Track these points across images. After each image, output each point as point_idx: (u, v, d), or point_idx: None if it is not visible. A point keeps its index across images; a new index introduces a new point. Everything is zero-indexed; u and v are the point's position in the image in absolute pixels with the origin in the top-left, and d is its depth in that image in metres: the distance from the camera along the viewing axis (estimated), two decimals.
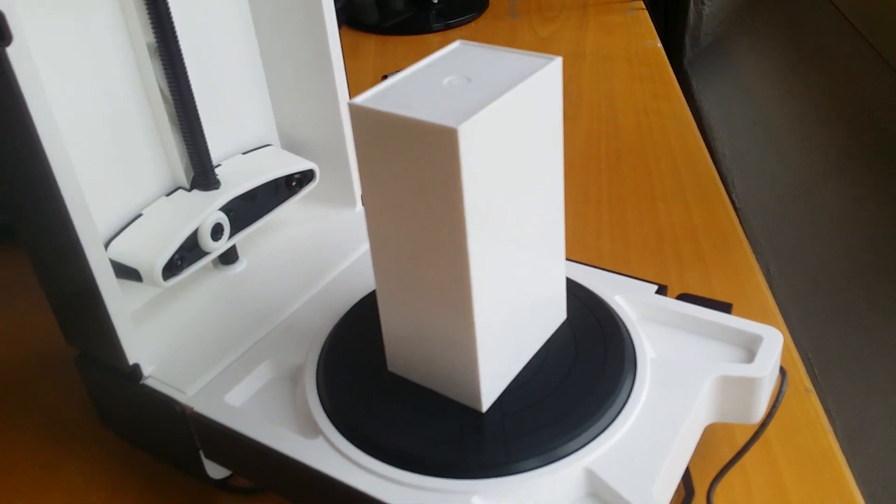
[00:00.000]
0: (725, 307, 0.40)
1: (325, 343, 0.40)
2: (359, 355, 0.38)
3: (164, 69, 0.40)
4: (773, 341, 0.37)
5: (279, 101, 0.49)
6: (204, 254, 0.42)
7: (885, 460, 0.54)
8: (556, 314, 0.38)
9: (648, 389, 0.35)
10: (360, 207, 0.51)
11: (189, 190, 0.43)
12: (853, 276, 0.68)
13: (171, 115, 0.41)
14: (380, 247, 0.33)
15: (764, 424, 0.37)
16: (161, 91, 0.41)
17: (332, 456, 0.34)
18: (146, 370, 0.39)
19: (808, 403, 0.42)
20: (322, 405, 0.36)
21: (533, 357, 0.37)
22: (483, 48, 0.34)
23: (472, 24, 0.97)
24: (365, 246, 0.47)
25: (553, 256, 0.36)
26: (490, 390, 0.34)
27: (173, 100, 0.40)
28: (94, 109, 0.39)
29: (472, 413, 0.34)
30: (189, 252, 0.41)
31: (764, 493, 0.37)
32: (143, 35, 0.39)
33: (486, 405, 0.34)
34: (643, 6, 0.96)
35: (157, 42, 0.39)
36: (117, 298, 0.37)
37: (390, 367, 0.37)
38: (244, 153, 0.47)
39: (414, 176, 0.30)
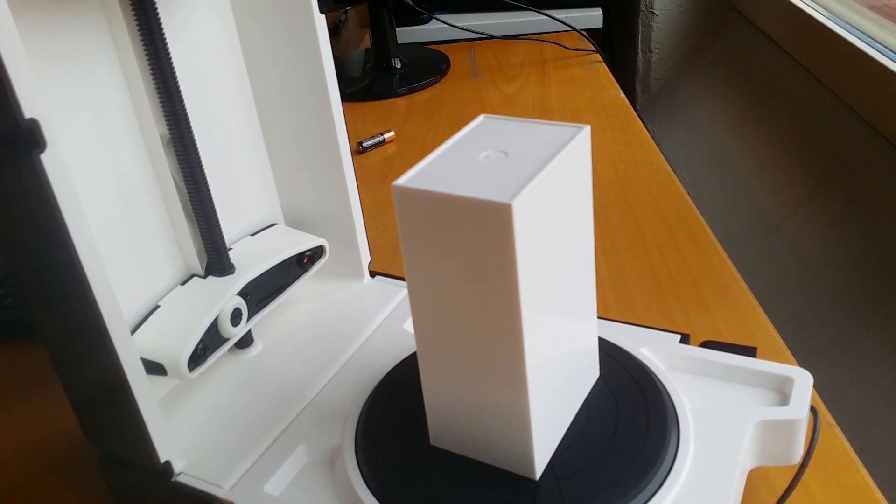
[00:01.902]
0: (750, 351, 0.41)
1: (360, 420, 0.39)
2: (397, 430, 0.38)
3: (178, 159, 0.39)
4: (804, 382, 0.38)
5: (282, 179, 0.49)
6: (224, 340, 0.42)
7: None
8: (591, 372, 0.38)
9: (694, 442, 0.36)
10: (368, 279, 0.51)
11: (204, 277, 0.43)
12: (836, 304, 0.70)
13: (184, 204, 0.41)
14: (424, 323, 0.33)
15: (804, 464, 0.38)
16: (174, 181, 0.40)
17: None
18: (177, 466, 0.38)
19: (833, 438, 0.43)
20: (368, 486, 0.35)
21: (575, 418, 0.37)
22: (507, 120, 0.35)
23: (437, 85, 0.98)
24: (381, 317, 0.47)
25: (588, 316, 0.37)
26: (542, 457, 0.34)
27: (187, 189, 0.40)
28: (108, 203, 0.38)
29: (525, 482, 0.34)
30: (211, 340, 0.40)
31: None
32: (157, 127, 0.39)
33: (539, 472, 0.34)
34: (601, 59, 0.99)
35: (170, 133, 0.39)
36: (147, 393, 0.36)
37: (433, 441, 0.37)
38: (252, 234, 0.47)
39: (464, 253, 0.30)
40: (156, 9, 0.36)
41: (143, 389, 0.35)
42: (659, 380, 0.39)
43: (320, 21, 0.43)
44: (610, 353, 0.41)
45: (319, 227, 0.50)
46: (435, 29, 1.15)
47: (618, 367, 0.40)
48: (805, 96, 0.91)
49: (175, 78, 0.38)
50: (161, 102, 0.38)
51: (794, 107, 0.92)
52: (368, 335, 0.46)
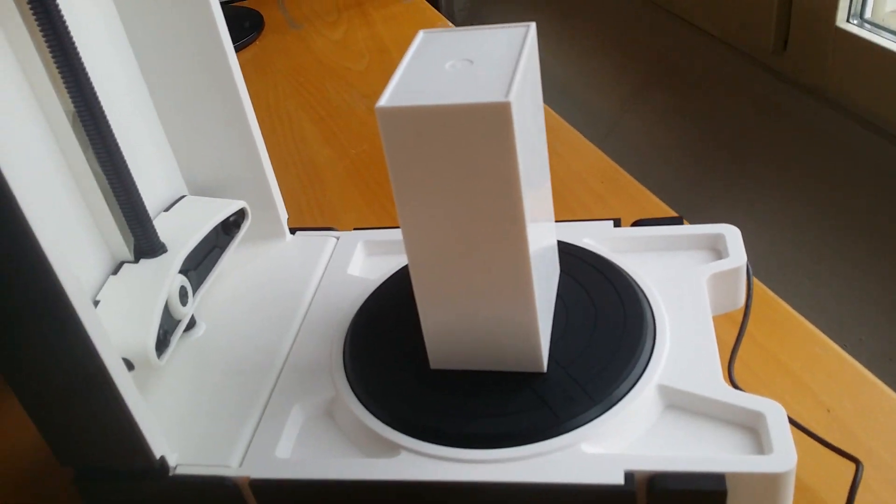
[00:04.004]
0: (678, 221, 0.44)
1: (346, 367, 0.38)
2: (390, 366, 0.37)
3: (90, 136, 0.36)
4: (734, 235, 0.42)
5: (181, 146, 0.45)
6: (177, 322, 0.39)
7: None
8: (556, 268, 0.40)
9: (665, 306, 0.39)
10: (290, 237, 0.49)
11: (135, 261, 0.39)
12: (682, 184, 0.78)
13: (101, 186, 0.37)
14: (419, 247, 0.33)
15: (748, 305, 0.42)
16: (87, 162, 0.36)
17: (434, 464, 0.33)
18: (171, 460, 0.35)
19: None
20: (388, 424, 0.35)
21: (556, 312, 0.39)
22: (449, 32, 0.35)
23: (257, 42, 0.94)
24: (320, 269, 0.46)
25: (551, 215, 0.38)
26: (546, 350, 0.36)
27: (104, 168, 0.37)
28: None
29: (535, 377, 0.35)
30: (167, 324, 0.38)
31: (759, 361, 0.43)
32: (61, 103, 0.35)
33: (545, 364, 0.36)
34: None
35: (77, 109, 0.35)
36: (131, 386, 0.33)
37: (433, 365, 0.37)
38: (166, 210, 0.43)
39: (461, 162, 0.30)
40: None
41: (127, 382, 0.32)
42: (612, 262, 0.42)
43: None
44: (561, 249, 0.43)
45: (228, 191, 0.47)
46: None
47: (572, 259, 0.42)
48: (612, 2, 0.97)
49: (76, 48, 0.34)
50: (63, 77, 0.34)
51: (603, 13, 0.98)
52: (315, 288, 0.45)
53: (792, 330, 0.44)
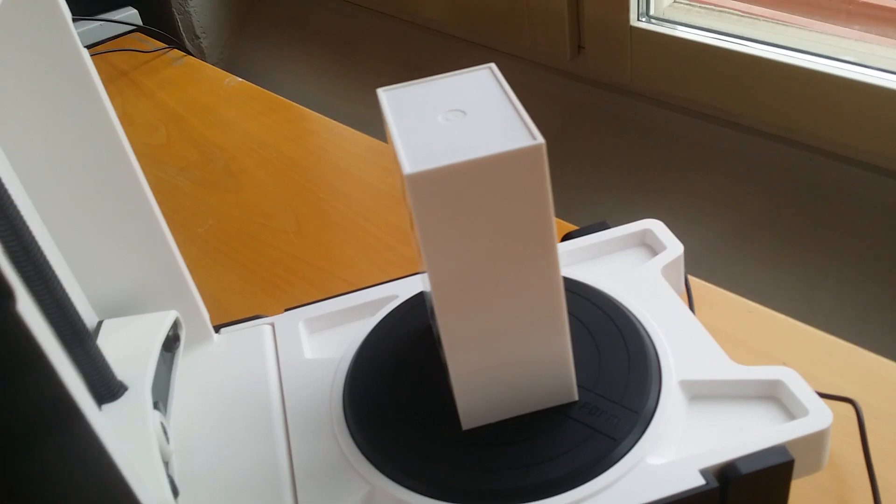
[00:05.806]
0: (604, 225, 0.47)
1: (369, 458, 0.36)
2: (418, 442, 0.35)
3: (30, 284, 0.29)
4: (659, 227, 0.46)
5: (82, 265, 0.39)
6: (167, 463, 0.34)
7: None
8: None
9: (644, 308, 0.41)
10: (216, 336, 0.44)
11: (99, 408, 0.33)
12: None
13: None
14: (453, 304, 0.32)
15: (688, 288, 0.46)
16: None
17: None
18: None
19: None
20: (442, 499, 0.33)
21: None
22: (410, 86, 0.34)
23: None
24: (270, 361, 0.42)
25: None
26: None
27: (48, 314, 0.30)
28: None
29: (569, 407, 0.36)
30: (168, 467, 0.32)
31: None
32: None
33: (576, 392, 0.36)
34: (184, 53, 0.94)
35: (14, 258, 0.29)
36: None
37: (466, 425, 0.36)
38: None
39: (494, 210, 0.30)
40: None
41: None
42: (577, 280, 0.43)
43: (87, 57, 0.35)
44: None
45: (144, 303, 0.41)
46: None
47: None
48: (389, 31, 0.99)
49: (10, 196, 0.28)
50: None
51: (380, 41, 1.00)
52: (278, 384, 0.41)
53: (716, 301, 0.49)
